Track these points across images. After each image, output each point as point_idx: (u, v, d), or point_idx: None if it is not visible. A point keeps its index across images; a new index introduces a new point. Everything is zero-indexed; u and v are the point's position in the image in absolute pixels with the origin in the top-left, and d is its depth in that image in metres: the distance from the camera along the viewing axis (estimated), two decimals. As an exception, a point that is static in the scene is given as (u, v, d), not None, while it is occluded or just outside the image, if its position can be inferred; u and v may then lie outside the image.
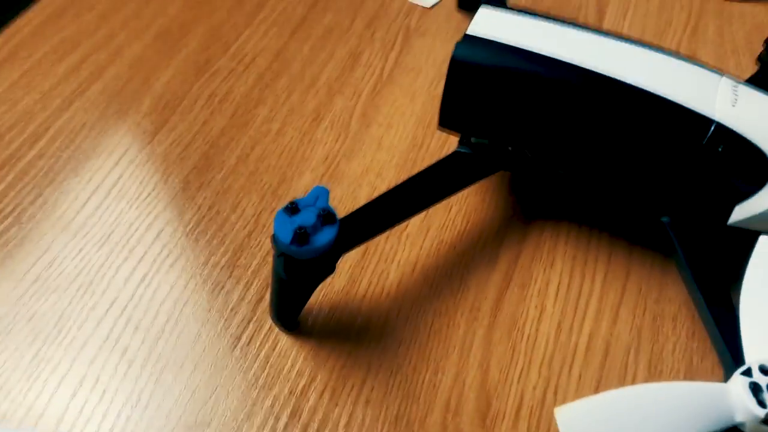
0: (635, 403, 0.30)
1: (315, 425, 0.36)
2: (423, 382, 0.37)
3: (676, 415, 0.29)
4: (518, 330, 0.40)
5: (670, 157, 0.38)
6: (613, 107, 0.38)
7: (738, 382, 0.30)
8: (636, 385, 0.31)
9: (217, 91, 0.51)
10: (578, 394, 0.37)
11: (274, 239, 0.34)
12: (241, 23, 0.56)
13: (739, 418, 0.29)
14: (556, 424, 0.36)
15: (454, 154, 0.42)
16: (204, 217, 0.44)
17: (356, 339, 0.39)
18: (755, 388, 0.30)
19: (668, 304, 0.41)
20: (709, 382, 0.30)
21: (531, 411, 0.37)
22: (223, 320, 0.39)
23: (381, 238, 0.43)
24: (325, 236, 0.34)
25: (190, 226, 0.43)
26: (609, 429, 0.29)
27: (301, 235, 0.33)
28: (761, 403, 0.29)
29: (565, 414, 0.29)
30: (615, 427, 0.29)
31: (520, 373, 0.38)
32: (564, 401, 0.37)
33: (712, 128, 0.37)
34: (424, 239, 0.43)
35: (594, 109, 0.38)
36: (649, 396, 0.30)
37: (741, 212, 0.38)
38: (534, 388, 0.38)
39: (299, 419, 0.36)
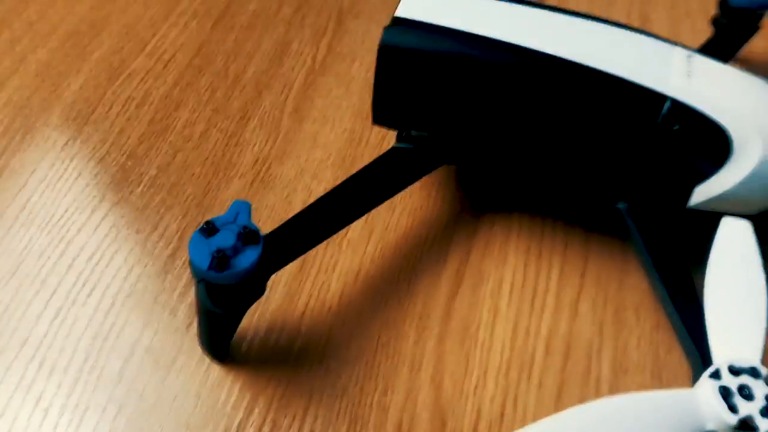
0: (597, 422, 0.27)
1: (254, 464, 0.32)
2: (371, 403, 0.34)
3: (643, 430, 0.26)
4: (471, 337, 0.37)
5: (622, 139, 0.35)
6: (559, 88, 0.35)
7: (706, 387, 0.28)
8: (597, 400, 0.28)
9: (134, 94, 0.46)
10: (539, 403, 0.35)
11: (191, 265, 0.31)
12: (159, 17, 0.52)
13: (710, 426, 0.26)
14: (517, 439, 0.33)
15: (393, 150, 0.39)
16: (122, 238, 0.40)
17: (296, 362, 0.35)
18: (725, 393, 0.27)
19: (630, 294, 0.39)
20: (675, 390, 0.27)
21: (489, 426, 0.34)
22: (148, 352, 0.36)
23: (319, 247, 0.39)
24: (247, 258, 0.31)
25: (108, 249, 0.39)
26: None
27: (220, 260, 0.30)
28: (732, 409, 0.27)
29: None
30: None
31: (476, 385, 0.35)
32: (524, 412, 0.34)
33: (667, 105, 0.34)
34: (366, 244, 0.40)
35: (539, 91, 0.35)
36: (612, 412, 0.27)
37: (701, 194, 0.35)
38: (491, 400, 0.35)
39: (236, 459, 0.32)
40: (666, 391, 0.27)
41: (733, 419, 0.25)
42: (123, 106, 0.46)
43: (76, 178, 0.42)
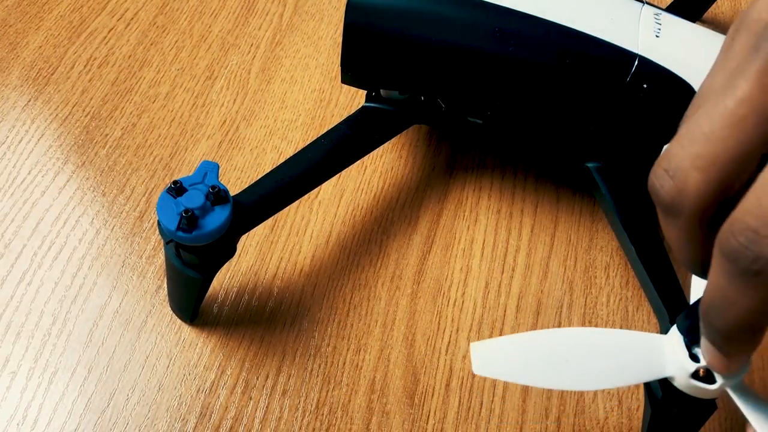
0: (560, 346, 0.27)
1: (227, 424, 0.32)
2: (344, 363, 0.34)
3: (604, 362, 0.27)
4: (443, 295, 0.37)
5: (591, 98, 0.35)
6: (526, 45, 0.35)
7: (674, 335, 0.28)
8: (572, 328, 0.28)
9: (96, 54, 0.45)
10: (511, 360, 0.35)
11: (159, 225, 0.30)
12: (120, -26, 0.50)
13: (669, 371, 0.27)
14: (490, 395, 0.34)
15: (363, 109, 0.38)
16: (88, 201, 0.39)
17: (268, 323, 0.35)
18: (690, 343, 0.28)
19: (600, 253, 0.39)
20: (646, 333, 0.27)
21: (462, 383, 0.34)
22: (118, 315, 0.35)
23: (290, 208, 0.39)
24: (216, 218, 0.30)
25: (73, 212, 0.38)
26: (528, 371, 0.26)
27: (189, 219, 0.29)
28: (694, 358, 0.27)
29: (480, 349, 0.26)
30: (534, 369, 0.26)
31: (448, 343, 0.35)
32: (496, 369, 0.35)
33: (636, 63, 0.34)
34: (338, 206, 0.40)
35: (506, 48, 0.35)
36: (579, 339, 0.27)
37: (669, 152, 0.35)
38: (464, 357, 0.35)
39: (209, 419, 0.32)
40: (639, 332, 0.27)
41: (691, 367, 0.26)
42: (85, 66, 0.44)
43: (39, 140, 0.41)
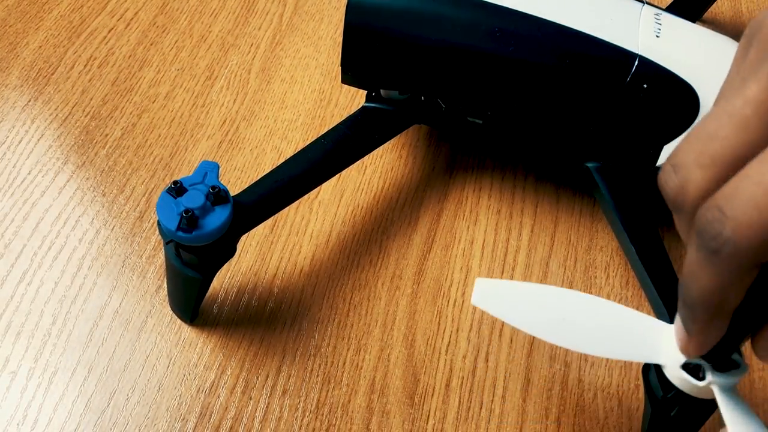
0: (562, 303, 0.27)
1: (227, 424, 0.32)
2: (344, 363, 0.34)
3: (601, 330, 0.27)
4: (444, 295, 0.37)
5: (591, 98, 0.35)
6: (526, 45, 0.35)
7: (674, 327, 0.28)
8: (576, 290, 0.28)
9: (96, 54, 0.45)
10: (510, 360, 0.35)
11: (159, 225, 0.30)
12: (120, -26, 0.50)
13: (661, 360, 0.27)
14: (490, 395, 0.34)
15: (363, 109, 0.38)
16: (88, 201, 0.39)
17: (268, 323, 0.35)
18: None
19: (600, 253, 0.39)
20: (651, 317, 0.27)
21: (462, 383, 0.34)
22: (118, 315, 0.35)
23: (290, 208, 0.39)
24: (216, 218, 0.30)
25: (73, 212, 0.38)
26: (521, 314, 0.27)
27: (189, 219, 0.29)
28: None
29: (484, 285, 0.27)
30: (529, 316, 0.27)
31: (448, 342, 0.35)
32: (495, 368, 0.35)
33: (636, 63, 0.34)
34: (338, 206, 0.40)
35: (506, 48, 0.35)
36: (583, 303, 0.27)
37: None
38: (464, 357, 0.35)
39: (209, 419, 0.32)
40: (642, 314, 0.27)
41: (682, 358, 0.26)
42: (85, 66, 0.44)
43: (39, 140, 0.41)
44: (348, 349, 0.35)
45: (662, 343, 0.26)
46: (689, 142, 0.19)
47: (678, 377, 0.25)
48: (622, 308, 0.27)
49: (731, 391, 0.25)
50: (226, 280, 0.36)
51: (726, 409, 0.24)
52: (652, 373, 0.28)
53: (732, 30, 0.50)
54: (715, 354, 0.24)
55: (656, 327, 0.27)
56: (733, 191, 0.18)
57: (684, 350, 0.24)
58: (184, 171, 0.40)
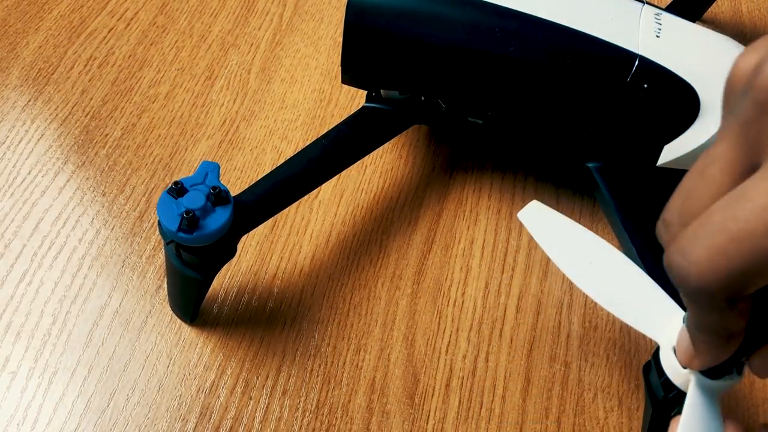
0: (596, 252, 0.29)
1: (227, 424, 0.32)
2: (344, 363, 0.34)
3: (618, 287, 0.28)
4: (444, 295, 0.37)
5: (591, 98, 0.35)
6: (527, 45, 0.35)
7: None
8: (614, 247, 0.29)
9: (96, 54, 0.45)
10: (510, 360, 0.35)
11: (160, 226, 0.30)
12: (120, -26, 0.50)
13: (661, 339, 0.27)
14: (490, 395, 0.34)
15: (363, 109, 0.38)
16: (88, 201, 0.39)
17: (268, 323, 0.35)
18: None
19: (599, 253, 0.39)
20: (669, 297, 0.28)
21: (462, 383, 0.34)
22: (118, 315, 0.35)
23: (290, 208, 0.39)
24: (217, 219, 0.30)
25: (73, 212, 0.38)
26: (553, 243, 0.29)
27: (190, 220, 0.29)
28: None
29: (535, 208, 0.31)
30: (559, 246, 0.29)
31: (448, 342, 0.35)
32: (495, 368, 0.35)
33: (636, 63, 0.34)
34: (338, 206, 0.40)
35: (507, 48, 0.35)
36: (614, 260, 0.28)
37: (671, 152, 0.35)
38: (464, 357, 0.35)
39: (209, 419, 0.32)
40: (663, 292, 0.28)
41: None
42: (85, 66, 0.44)
43: (39, 140, 0.41)
44: (348, 349, 0.35)
45: (666, 325, 0.26)
46: (674, 199, 0.20)
47: (667, 361, 0.26)
48: (648, 279, 0.28)
49: (709, 390, 0.25)
50: (226, 280, 0.36)
51: (691, 402, 0.24)
52: (653, 372, 0.28)
53: (732, 30, 0.50)
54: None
55: (668, 307, 0.27)
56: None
57: (687, 363, 0.24)
58: (184, 171, 0.40)
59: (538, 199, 0.41)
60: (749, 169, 0.18)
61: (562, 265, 0.28)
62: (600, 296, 0.28)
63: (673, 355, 0.26)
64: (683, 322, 0.26)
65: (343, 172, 0.40)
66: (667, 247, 0.20)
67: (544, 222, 0.30)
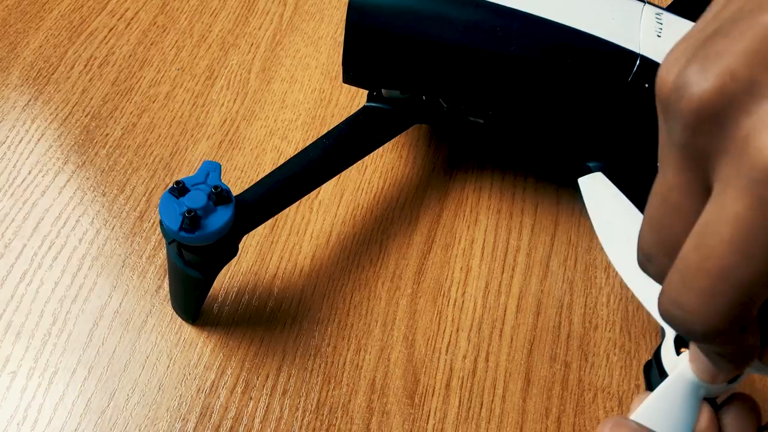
0: None
1: (227, 424, 0.32)
2: (345, 363, 0.34)
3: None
4: (444, 295, 0.37)
5: (593, 98, 0.35)
6: (528, 45, 0.35)
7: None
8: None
9: (96, 53, 0.45)
10: (510, 359, 0.35)
11: (161, 225, 0.30)
12: (120, -26, 0.50)
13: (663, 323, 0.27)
14: (490, 395, 0.34)
15: (364, 109, 0.38)
16: (88, 201, 0.39)
17: (269, 323, 0.35)
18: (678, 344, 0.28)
19: (600, 253, 0.39)
20: None
21: (462, 383, 0.34)
22: (118, 315, 0.35)
23: (290, 208, 0.39)
24: (219, 218, 0.30)
25: (74, 211, 0.38)
26: (602, 219, 0.31)
27: (191, 219, 0.29)
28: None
29: (598, 179, 0.33)
30: (607, 225, 0.31)
31: (448, 342, 0.35)
32: (495, 368, 0.35)
33: (637, 63, 0.34)
34: (338, 206, 0.40)
35: (508, 48, 0.35)
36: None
37: (670, 152, 0.35)
38: (464, 357, 0.35)
39: (209, 419, 0.32)
40: None
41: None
42: (85, 66, 0.44)
43: (39, 140, 0.41)
44: (348, 349, 0.35)
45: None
46: (646, 231, 0.20)
47: (668, 357, 0.26)
48: None
49: (693, 385, 0.25)
50: (226, 280, 0.36)
51: (668, 381, 0.24)
52: (653, 371, 0.28)
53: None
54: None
55: None
56: (680, 285, 0.18)
57: (712, 380, 0.24)
58: (185, 171, 0.40)
59: (538, 199, 0.41)
60: (705, 188, 0.18)
61: (605, 240, 0.29)
62: (632, 281, 0.27)
63: (674, 353, 0.26)
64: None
65: (343, 172, 0.40)
66: (656, 279, 0.20)
67: (601, 194, 0.31)
